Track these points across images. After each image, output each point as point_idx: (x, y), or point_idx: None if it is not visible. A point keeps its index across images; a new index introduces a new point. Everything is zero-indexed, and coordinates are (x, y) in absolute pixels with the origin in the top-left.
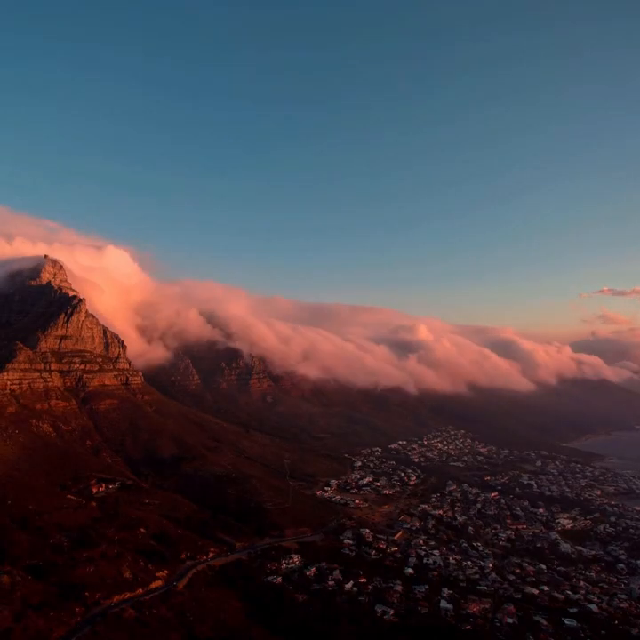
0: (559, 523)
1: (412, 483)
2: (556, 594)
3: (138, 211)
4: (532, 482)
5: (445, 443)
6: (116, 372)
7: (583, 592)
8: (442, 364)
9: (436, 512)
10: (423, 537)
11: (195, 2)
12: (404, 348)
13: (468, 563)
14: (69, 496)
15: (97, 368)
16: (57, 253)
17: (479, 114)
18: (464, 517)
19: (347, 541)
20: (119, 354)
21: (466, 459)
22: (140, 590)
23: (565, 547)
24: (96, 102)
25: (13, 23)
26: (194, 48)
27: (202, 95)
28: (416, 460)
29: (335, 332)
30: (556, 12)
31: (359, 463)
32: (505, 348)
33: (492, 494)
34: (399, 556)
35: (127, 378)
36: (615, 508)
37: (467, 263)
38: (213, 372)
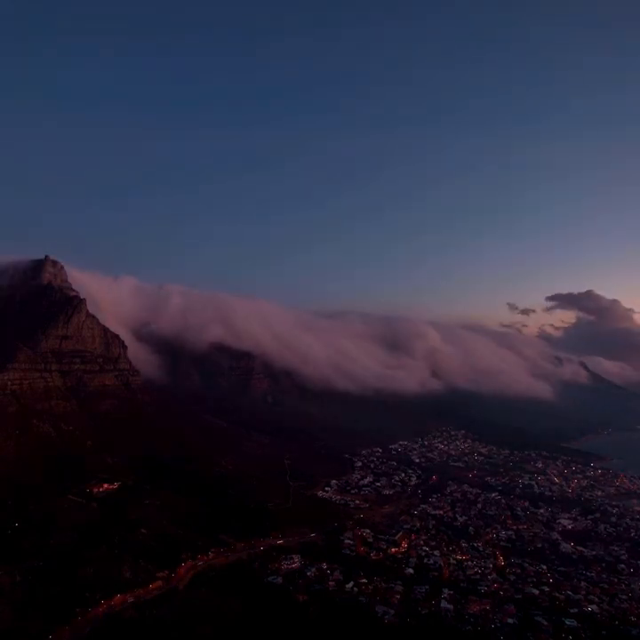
0: (560, 523)
1: (412, 483)
2: (556, 594)
3: None
4: (533, 482)
5: (446, 443)
6: (116, 373)
7: (584, 592)
8: (442, 363)
9: (437, 512)
10: (424, 537)
11: None
12: (403, 346)
13: (469, 563)
14: (70, 496)
15: (97, 368)
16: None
17: None
18: (464, 518)
19: (347, 542)
20: (120, 354)
21: (466, 459)
22: (141, 590)
23: (566, 547)
24: None
25: None
26: None
27: None
28: (416, 460)
29: (335, 331)
30: None
31: (359, 463)
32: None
33: (493, 494)
34: (400, 556)
35: (128, 378)
36: (616, 509)
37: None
38: (214, 373)
